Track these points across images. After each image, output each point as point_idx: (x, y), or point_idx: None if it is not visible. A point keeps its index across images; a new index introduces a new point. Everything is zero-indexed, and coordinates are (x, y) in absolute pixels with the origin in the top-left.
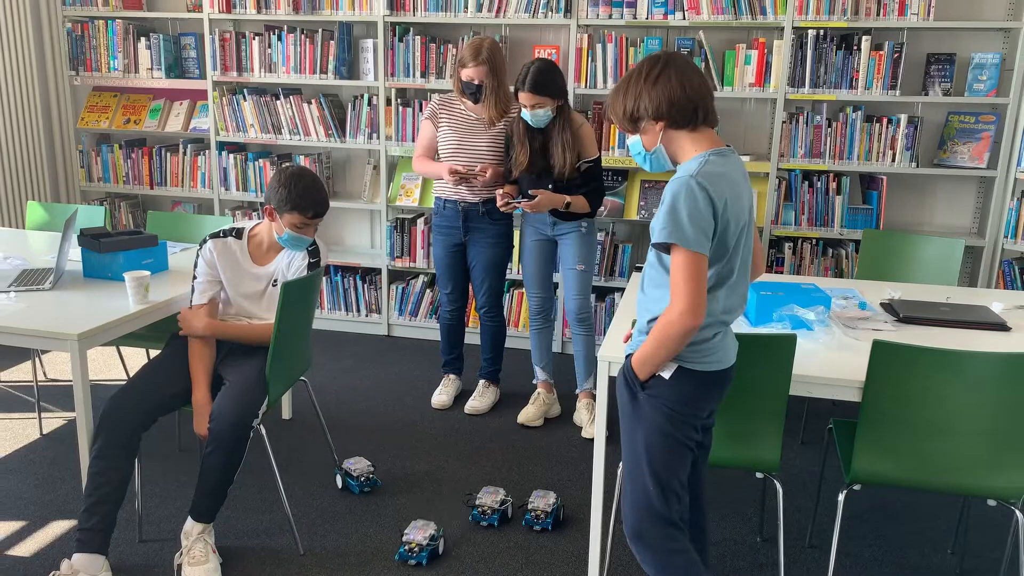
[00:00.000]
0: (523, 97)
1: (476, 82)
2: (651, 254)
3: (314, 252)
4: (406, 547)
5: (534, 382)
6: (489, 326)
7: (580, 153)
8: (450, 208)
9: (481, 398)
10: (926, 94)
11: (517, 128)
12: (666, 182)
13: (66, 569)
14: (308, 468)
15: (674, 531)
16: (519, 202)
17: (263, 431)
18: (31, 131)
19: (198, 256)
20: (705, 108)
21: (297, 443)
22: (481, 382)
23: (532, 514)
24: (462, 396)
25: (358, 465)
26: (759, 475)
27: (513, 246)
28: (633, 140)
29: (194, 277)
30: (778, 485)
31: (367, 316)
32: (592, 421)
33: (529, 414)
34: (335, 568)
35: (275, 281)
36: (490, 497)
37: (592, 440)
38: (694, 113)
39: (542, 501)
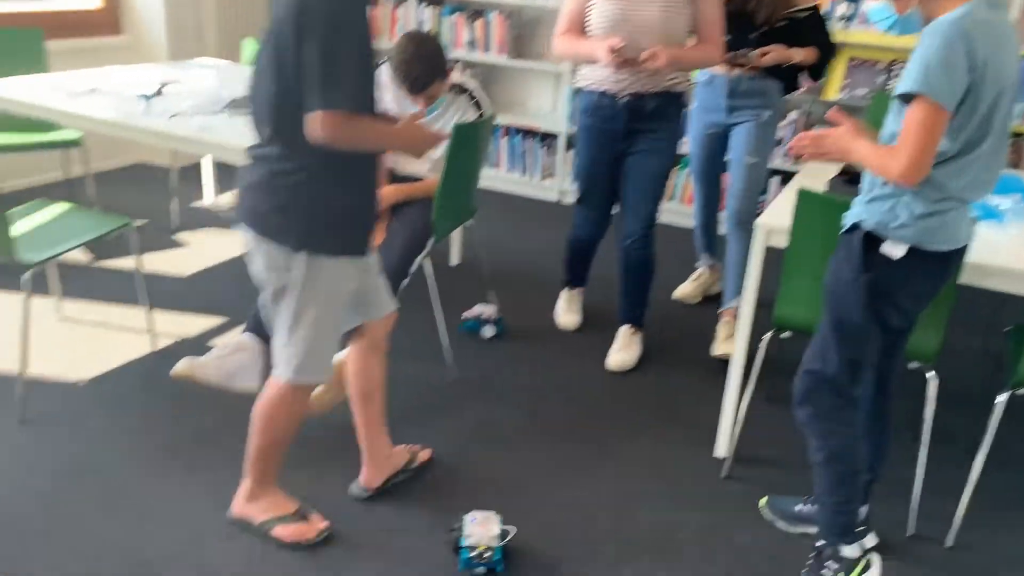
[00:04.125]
0: None
1: None
2: (895, 107)
3: (477, 105)
4: None
5: (696, 265)
6: (637, 258)
7: (790, 1)
8: (607, 103)
9: (628, 350)
10: None
11: None
12: (877, 61)
13: (233, 340)
14: (466, 308)
15: (843, 403)
16: (746, 55)
17: (429, 270)
18: None
19: None
20: None
21: (460, 287)
22: (625, 328)
23: (471, 551)
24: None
25: (485, 310)
26: (914, 365)
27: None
28: (878, 5)
29: None
30: (931, 377)
31: (541, 180)
32: (728, 338)
33: (687, 290)
34: (481, 393)
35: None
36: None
37: (723, 360)
38: None
39: (480, 529)
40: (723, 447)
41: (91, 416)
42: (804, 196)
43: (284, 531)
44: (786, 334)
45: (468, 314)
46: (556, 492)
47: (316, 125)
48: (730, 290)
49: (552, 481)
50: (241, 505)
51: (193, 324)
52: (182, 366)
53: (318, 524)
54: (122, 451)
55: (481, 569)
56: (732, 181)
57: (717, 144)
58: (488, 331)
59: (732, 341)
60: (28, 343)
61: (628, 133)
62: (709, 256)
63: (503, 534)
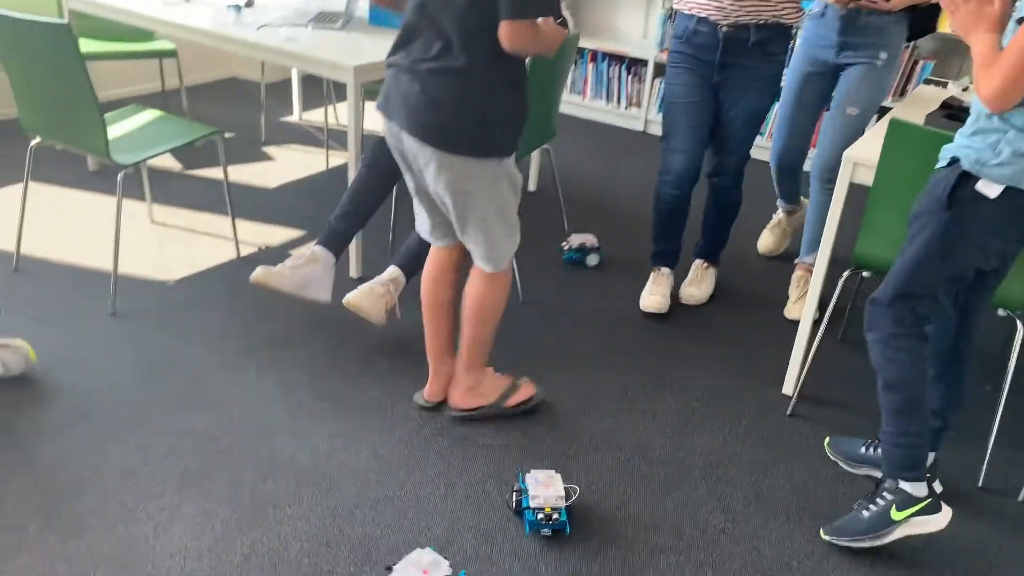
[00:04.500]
0: None
1: None
2: (1010, 29)
3: (562, 23)
4: None
5: (777, 206)
6: (725, 202)
7: None
8: (705, 31)
9: (699, 284)
10: None
11: None
12: None
13: (307, 251)
14: (539, 234)
15: (902, 332)
16: None
17: None
18: None
19: None
20: None
21: (536, 212)
22: (698, 263)
23: (536, 513)
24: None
25: (586, 239)
26: (1001, 312)
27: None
28: None
29: None
30: (1020, 324)
31: (626, 109)
32: (800, 298)
33: (767, 243)
34: (548, 314)
35: None
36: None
37: (795, 322)
38: None
39: (544, 490)
40: (790, 385)
41: (176, 314)
42: (895, 126)
43: (515, 399)
44: (866, 274)
45: (569, 244)
46: (614, 416)
47: (509, 34)
48: (807, 242)
49: (610, 406)
50: (465, 400)
51: (275, 234)
52: (259, 274)
53: (531, 388)
54: (203, 347)
55: (548, 531)
56: (825, 129)
57: (817, 86)
58: (592, 259)
59: (804, 302)
60: (120, 242)
61: (723, 66)
62: (786, 203)
63: (568, 494)
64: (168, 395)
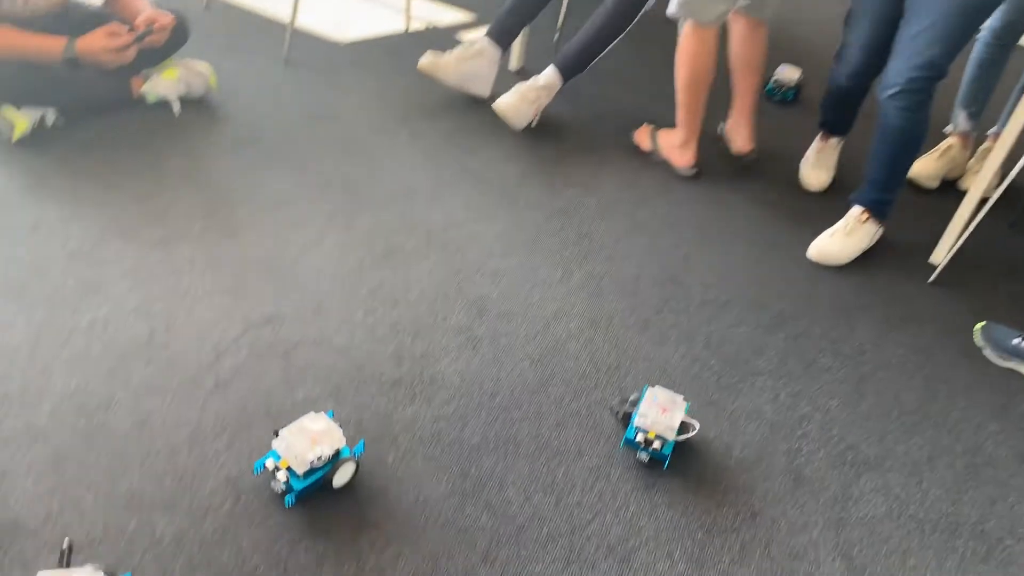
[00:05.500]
0: None
1: None
2: None
3: None
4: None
5: (946, 131)
6: (898, 120)
7: None
8: None
9: (845, 236)
10: None
11: None
12: None
13: (476, 45)
14: None
15: None
16: None
17: None
18: None
19: None
20: None
21: None
22: (855, 211)
23: (640, 432)
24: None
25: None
26: None
27: None
28: None
29: None
30: None
31: None
32: (980, 172)
33: (925, 169)
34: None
35: None
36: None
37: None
38: None
39: (661, 415)
40: (940, 253)
41: (342, 72)
42: None
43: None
44: None
45: (778, 82)
46: (748, 247)
47: None
48: (1005, 113)
49: (748, 237)
50: (751, 142)
51: (444, 15)
52: (427, 62)
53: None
54: (362, 107)
55: (644, 456)
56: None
57: None
58: (790, 95)
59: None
60: None
61: None
62: (966, 118)
63: (684, 427)
64: (325, 141)
